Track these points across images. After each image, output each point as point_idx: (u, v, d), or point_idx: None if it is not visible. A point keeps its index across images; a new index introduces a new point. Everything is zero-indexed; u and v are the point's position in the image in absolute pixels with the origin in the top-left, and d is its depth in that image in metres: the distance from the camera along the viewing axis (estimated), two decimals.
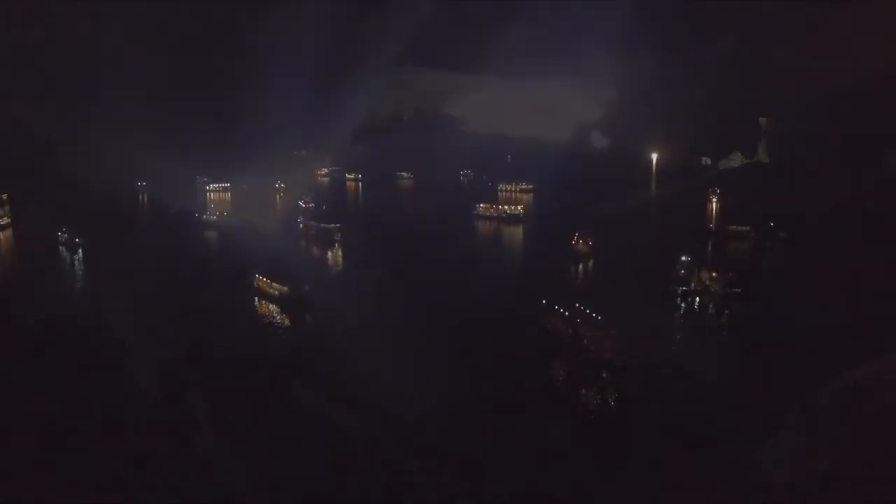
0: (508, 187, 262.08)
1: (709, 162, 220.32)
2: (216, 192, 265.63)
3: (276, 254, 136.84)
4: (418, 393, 65.88)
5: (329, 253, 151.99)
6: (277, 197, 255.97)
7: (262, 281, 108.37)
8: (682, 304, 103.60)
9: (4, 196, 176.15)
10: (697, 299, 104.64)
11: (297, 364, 76.69)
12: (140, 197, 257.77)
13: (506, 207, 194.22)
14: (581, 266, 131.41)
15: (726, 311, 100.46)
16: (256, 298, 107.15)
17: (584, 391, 73.43)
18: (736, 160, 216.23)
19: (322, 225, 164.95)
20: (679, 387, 69.77)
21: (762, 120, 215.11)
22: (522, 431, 61.77)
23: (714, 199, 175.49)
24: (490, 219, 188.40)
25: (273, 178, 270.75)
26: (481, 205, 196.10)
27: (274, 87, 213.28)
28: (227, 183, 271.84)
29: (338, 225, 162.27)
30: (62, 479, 46.88)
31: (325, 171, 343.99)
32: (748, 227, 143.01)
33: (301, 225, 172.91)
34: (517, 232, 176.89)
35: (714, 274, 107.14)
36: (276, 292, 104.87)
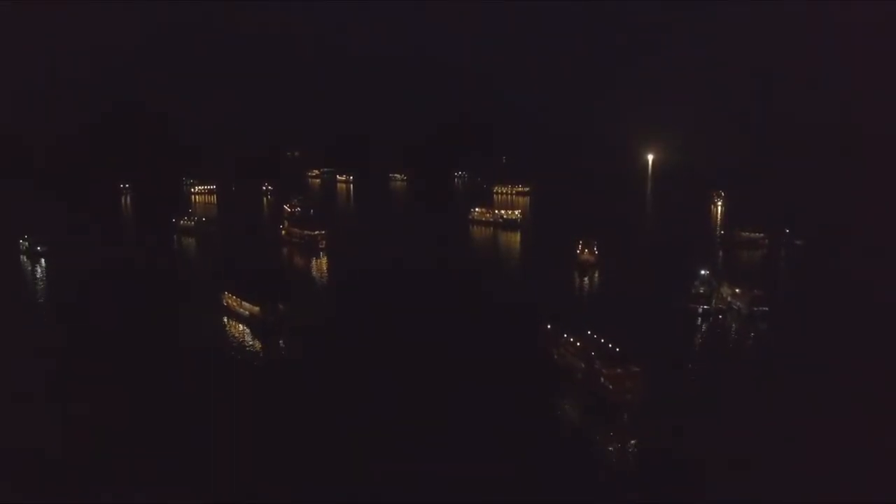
0: (504, 189, 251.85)
1: None
2: (201, 195, 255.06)
3: (254, 265, 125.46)
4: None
5: (313, 263, 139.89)
6: (265, 199, 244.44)
7: (231, 299, 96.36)
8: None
9: None
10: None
11: None
12: (123, 199, 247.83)
13: (502, 212, 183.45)
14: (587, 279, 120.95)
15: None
16: (226, 319, 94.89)
17: (599, 440, 61.29)
18: None
19: (306, 231, 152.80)
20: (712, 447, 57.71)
21: None
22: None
23: None
24: (485, 224, 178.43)
25: (261, 179, 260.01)
26: (476, 209, 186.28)
27: None
28: (212, 185, 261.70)
29: (323, 232, 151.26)
30: None
31: (315, 171, 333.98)
32: None
33: (283, 231, 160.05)
34: (515, 239, 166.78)
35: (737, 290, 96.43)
36: (247, 312, 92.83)
